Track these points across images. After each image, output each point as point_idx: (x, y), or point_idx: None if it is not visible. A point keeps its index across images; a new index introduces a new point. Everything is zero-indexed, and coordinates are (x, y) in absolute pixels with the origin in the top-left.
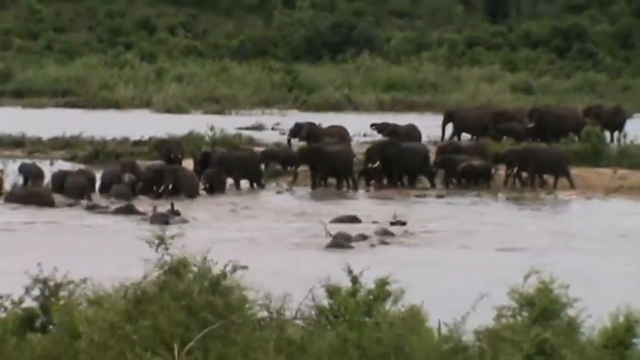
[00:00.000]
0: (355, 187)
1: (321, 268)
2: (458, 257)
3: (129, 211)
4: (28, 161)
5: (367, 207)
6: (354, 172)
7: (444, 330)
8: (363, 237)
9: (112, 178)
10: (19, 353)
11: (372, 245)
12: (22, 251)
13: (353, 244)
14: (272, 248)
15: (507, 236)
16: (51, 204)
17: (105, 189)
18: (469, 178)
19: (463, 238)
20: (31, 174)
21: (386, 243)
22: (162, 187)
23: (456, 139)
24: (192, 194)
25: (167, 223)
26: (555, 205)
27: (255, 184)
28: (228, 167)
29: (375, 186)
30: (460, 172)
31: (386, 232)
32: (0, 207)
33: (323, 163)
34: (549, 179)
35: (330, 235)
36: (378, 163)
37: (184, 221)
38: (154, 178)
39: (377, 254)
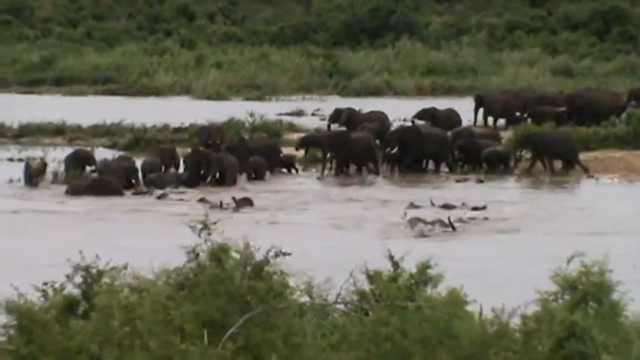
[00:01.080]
0: (377, 173)
1: (415, 256)
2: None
3: (203, 200)
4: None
5: (414, 193)
6: (376, 157)
7: (489, 314)
8: (444, 224)
9: (153, 167)
10: (64, 338)
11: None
12: (143, 237)
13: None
14: (359, 234)
15: (590, 221)
16: (119, 193)
17: (144, 177)
18: (491, 163)
19: (549, 224)
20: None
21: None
22: (209, 175)
23: (483, 123)
24: (234, 182)
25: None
26: (602, 188)
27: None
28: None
29: (392, 170)
30: (484, 157)
31: (469, 219)
32: (69, 196)
33: (345, 149)
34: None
35: (411, 223)
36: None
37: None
38: (197, 166)
39: (470, 241)
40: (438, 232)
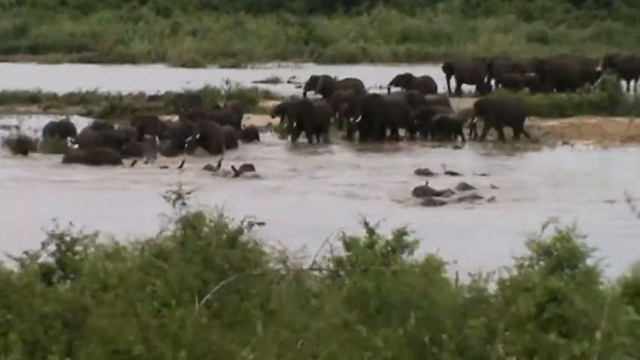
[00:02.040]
0: (327, 141)
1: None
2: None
3: (209, 167)
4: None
5: (400, 161)
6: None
7: (467, 280)
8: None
9: (128, 135)
10: (41, 303)
11: (471, 200)
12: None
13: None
14: (370, 202)
15: (601, 188)
16: (118, 162)
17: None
18: (443, 129)
19: (562, 191)
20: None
21: (480, 197)
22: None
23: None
24: (220, 150)
25: (237, 175)
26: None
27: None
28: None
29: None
30: (435, 124)
31: (468, 187)
32: (68, 166)
33: (309, 117)
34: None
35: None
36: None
37: (257, 176)
38: (179, 134)
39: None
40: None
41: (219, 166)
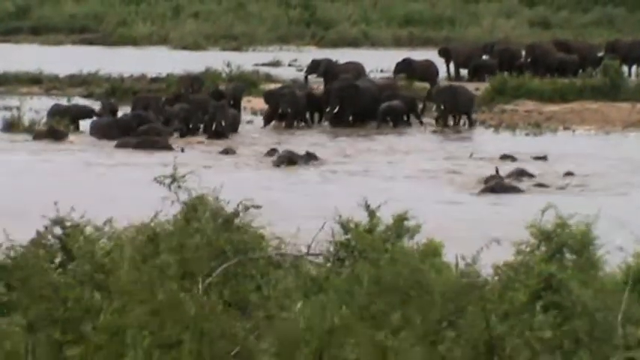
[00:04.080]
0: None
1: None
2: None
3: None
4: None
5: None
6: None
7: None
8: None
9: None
10: (49, 284)
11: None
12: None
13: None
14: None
15: None
16: (170, 148)
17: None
18: (391, 117)
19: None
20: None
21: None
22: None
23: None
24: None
25: (295, 163)
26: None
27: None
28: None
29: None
30: (381, 112)
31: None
32: (123, 152)
33: (295, 105)
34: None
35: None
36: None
37: (316, 159)
38: (190, 116)
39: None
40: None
41: (308, 153)
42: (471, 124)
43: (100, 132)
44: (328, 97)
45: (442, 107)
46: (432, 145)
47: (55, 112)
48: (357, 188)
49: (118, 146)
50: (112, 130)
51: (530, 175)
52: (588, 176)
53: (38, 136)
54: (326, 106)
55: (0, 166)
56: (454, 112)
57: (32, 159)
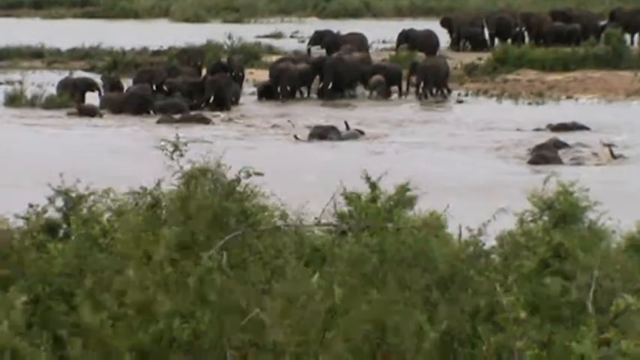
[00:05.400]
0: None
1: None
2: None
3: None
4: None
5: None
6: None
7: (466, 236)
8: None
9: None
10: (43, 262)
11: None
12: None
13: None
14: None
15: None
16: (209, 122)
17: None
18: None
19: None
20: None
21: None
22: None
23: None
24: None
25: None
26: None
27: None
28: None
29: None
30: (372, 84)
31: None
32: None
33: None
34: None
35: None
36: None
37: (356, 134)
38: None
39: None
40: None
41: (347, 127)
42: (446, 94)
43: (115, 106)
44: (316, 70)
45: (425, 80)
46: (447, 115)
47: (65, 85)
48: (428, 162)
49: (160, 122)
50: (127, 105)
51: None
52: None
53: (73, 113)
54: (312, 78)
55: (57, 142)
56: (437, 84)
57: (80, 134)
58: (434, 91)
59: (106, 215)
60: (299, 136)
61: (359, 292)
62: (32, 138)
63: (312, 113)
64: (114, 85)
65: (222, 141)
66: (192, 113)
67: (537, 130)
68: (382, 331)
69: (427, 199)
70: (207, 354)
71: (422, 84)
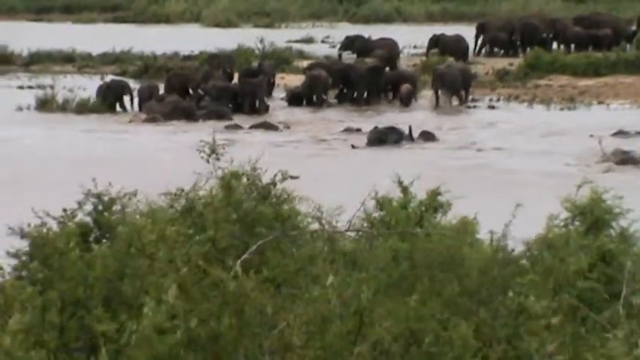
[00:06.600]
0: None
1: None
2: None
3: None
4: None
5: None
6: None
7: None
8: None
9: (152, 93)
10: (83, 264)
11: None
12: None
13: None
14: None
15: None
16: (276, 129)
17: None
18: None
19: None
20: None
21: None
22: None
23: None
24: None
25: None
26: None
27: None
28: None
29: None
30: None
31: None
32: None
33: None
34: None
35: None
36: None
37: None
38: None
39: None
40: None
41: (411, 131)
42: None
43: (162, 114)
44: (343, 77)
45: (446, 86)
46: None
47: (106, 90)
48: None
49: (228, 128)
50: (172, 114)
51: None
52: None
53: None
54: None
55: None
56: (454, 91)
57: (156, 139)
58: (452, 98)
59: (137, 217)
60: (355, 145)
61: (389, 299)
62: (119, 145)
63: (355, 119)
64: (152, 93)
65: (304, 148)
66: (261, 120)
67: (617, 133)
68: (415, 339)
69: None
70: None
71: (439, 91)
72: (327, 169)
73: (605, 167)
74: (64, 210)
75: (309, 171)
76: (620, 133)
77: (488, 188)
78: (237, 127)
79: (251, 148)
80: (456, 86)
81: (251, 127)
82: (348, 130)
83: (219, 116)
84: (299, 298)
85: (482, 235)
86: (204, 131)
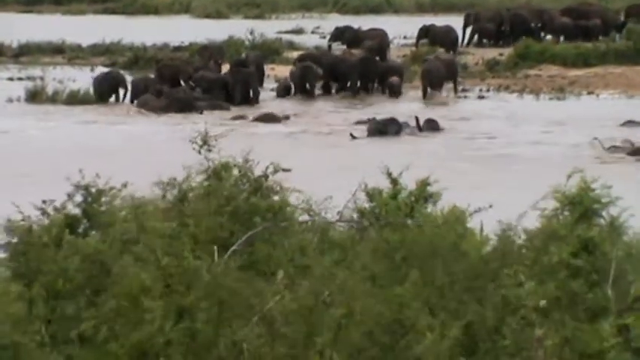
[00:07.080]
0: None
1: None
2: None
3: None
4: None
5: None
6: None
7: (492, 232)
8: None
9: (147, 85)
10: (60, 259)
11: None
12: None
13: None
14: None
15: None
16: (279, 121)
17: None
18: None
19: None
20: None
21: None
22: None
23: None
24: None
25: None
26: None
27: None
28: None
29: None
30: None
31: None
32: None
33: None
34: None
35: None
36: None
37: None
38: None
39: None
40: None
41: (418, 121)
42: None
43: (157, 107)
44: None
45: (432, 82)
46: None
47: (102, 81)
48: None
49: (234, 118)
50: (169, 108)
51: None
52: None
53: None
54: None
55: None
56: (442, 84)
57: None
58: (440, 90)
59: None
60: (355, 134)
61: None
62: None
63: (350, 110)
64: (147, 86)
65: (307, 140)
66: (264, 112)
67: (625, 124)
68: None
69: None
70: (207, 352)
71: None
72: (333, 160)
73: (617, 158)
74: (44, 202)
75: (319, 162)
76: (629, 123)
77: (491, 175)
78: (243, 117)
79: (257, 140)
80: (441, 80)
81: (254, 119)
82: (359, 122)
83: (219, 109)
84: (286, 288)
85: (487, 225)
86: (209, 122)
